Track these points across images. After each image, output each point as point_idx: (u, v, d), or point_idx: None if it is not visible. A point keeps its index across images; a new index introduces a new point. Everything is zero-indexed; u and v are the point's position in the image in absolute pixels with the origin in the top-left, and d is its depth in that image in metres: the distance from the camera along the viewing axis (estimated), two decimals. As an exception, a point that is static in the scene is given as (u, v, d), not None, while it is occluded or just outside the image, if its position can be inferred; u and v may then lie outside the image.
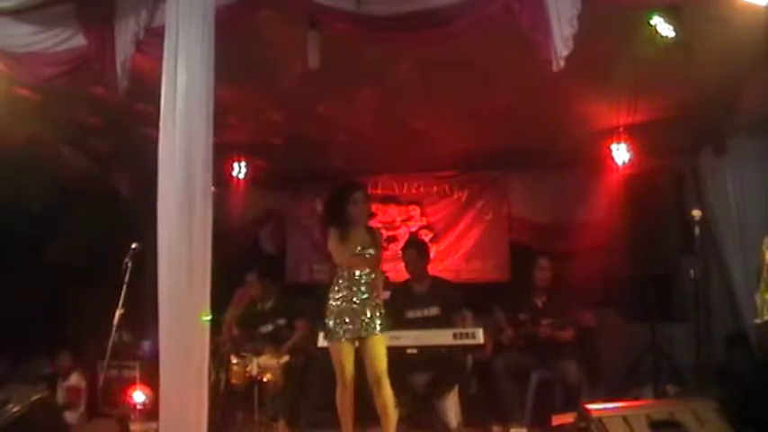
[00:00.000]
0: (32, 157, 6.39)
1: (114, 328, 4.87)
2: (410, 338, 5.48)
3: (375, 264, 4.74)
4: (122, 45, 4.21)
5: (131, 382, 6.20)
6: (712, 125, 6.14)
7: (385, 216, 8.06)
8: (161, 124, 3.55)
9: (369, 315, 4.61)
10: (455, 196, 8.09)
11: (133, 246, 4.98)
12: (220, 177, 6.87)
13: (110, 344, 4.93)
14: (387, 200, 8.15)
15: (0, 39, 4.41)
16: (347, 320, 4.61)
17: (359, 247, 4.71)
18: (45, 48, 4.37)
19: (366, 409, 4.73)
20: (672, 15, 4.01)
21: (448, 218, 8.09)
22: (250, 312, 6.34)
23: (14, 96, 5.21)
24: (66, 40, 4.33)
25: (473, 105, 5.92)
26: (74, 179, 7.00)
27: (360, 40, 4.21)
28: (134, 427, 5.68)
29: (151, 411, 5.59)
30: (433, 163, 7.80)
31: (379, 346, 4.58)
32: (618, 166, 6.54)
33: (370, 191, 8.06)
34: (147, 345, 6.88)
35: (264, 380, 5.73)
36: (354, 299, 4.64)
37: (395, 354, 5.18)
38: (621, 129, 6.17)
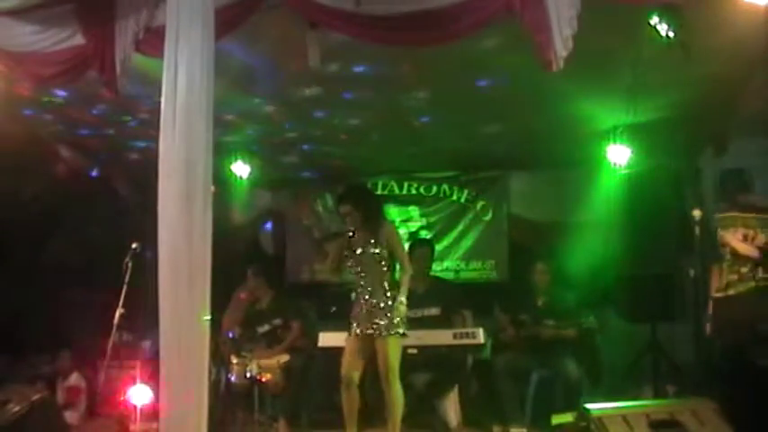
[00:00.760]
0: (32, 156, 6.39)
1: (114, 328, 4.87)
2: (410, 338, 5.48)
3: (379, 261, 4.77)
4: (122, 45, 4.20)
5: (131, 382, 6.19)
6: (712, 125, 6.14)
7: (384, 216, 8.07)
8: (161, 124, 3.55)
9: (381, 315, 4.65)
10: (455, 196, 8.10)
11: (133, 246, 4.99)
12: (220, 177, 6.86)
13: (110, 344, 4.94)
14: (387, 200, 8.15)
15: (0, 39, 4.41)
16: (360, 318, 4.73)
17: (359, 249, 4.77)
18: (45, 48, 4.36)
19: (367, 408, 4.75)
20: (672, 15, 4.00)
21: (448, 218, 8.10)
22: (249, 312, 6.35)
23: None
24: (66, 39, 4.32)
25: (473, 105, 5.92)
26: (74, 178, 7.01)
27: (359, 40, 4.20)
28: (134, 427, 5.68)
29: (151, 411, 5.59)
30: (433, 163, 7.80)
31: (393, 346, 4.65)
32: (618, 167, 6.54)
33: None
34: (147, 345, 6.88)
35: (264, 380, 5.73)
36: (367, 298, 4.71)
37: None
38: (621, 129, 6.16)
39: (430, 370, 5.64)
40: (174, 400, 3.41)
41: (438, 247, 7.80)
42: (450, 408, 5.67)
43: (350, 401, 4.75)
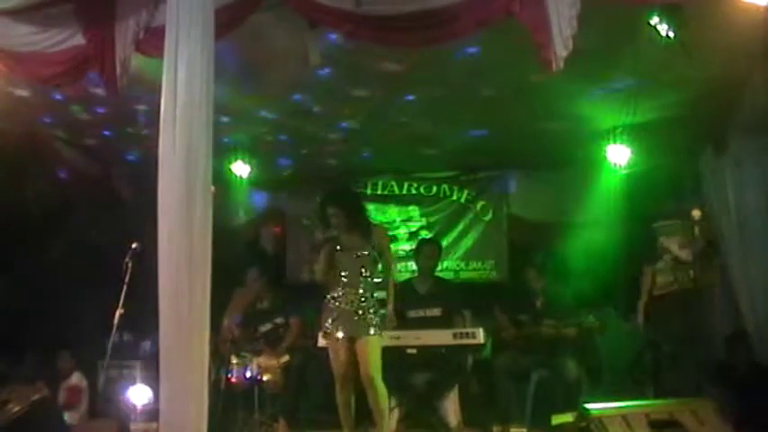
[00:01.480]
0: (33, 156, 6.39)
1: (114, 328, 4.87)
2: (410, 338, 5.49)
3: (367, 263, 4.77)
4: (122, 45, 4.20)
5: (131, 382, 6.20)
6: (712, 125, 6.14)
7: (385, 216, 8.07)
8: (161, 124, 3.55)
9: (362, 315, 4.64)
10: (455, 196, 8.10)
11: (133, 246, 4.99)
12: (220, 177, 6.86)
13: (110, 344, 4.94)
14: (387, 200, 8.15)
15: (0, 39, 4.41)
16: (342, 320, 4.69)
17: (348, 251, 4.78)
18: (45, 48, 4.37)
19: (366, 409, 4.75)
20: (672, 15, 4.00)
21: (448, 218, 8.10)
22: (249, 312, 6.35)
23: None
24: (66, 39, 4.33)
25: (473, 105, 5.92)
26: (74, 178, 7.01)
27: (359, 41, 4.20)
28: (134, 427, 5.68)
29: (151, 411, 5.59)
30: (433, 163, 7.80)
31: (372, 346, 4.62)
32: (618, 167, 6.54)
33: (369, 191, 8.11)
34: (147, 345, 6.88)
35: (264, 380, 5.73)
36: (349, 299, 4.69)
37: (395, 354, 5.21)
38: (621, 129, 6.16)
39: (430, 370, 5.64)
40: (174, 400, 3.41)
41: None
42: (450, 408, 5.67)
43: (346, 401, 4.75)
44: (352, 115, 6.24)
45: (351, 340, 4.68)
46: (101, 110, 5.98)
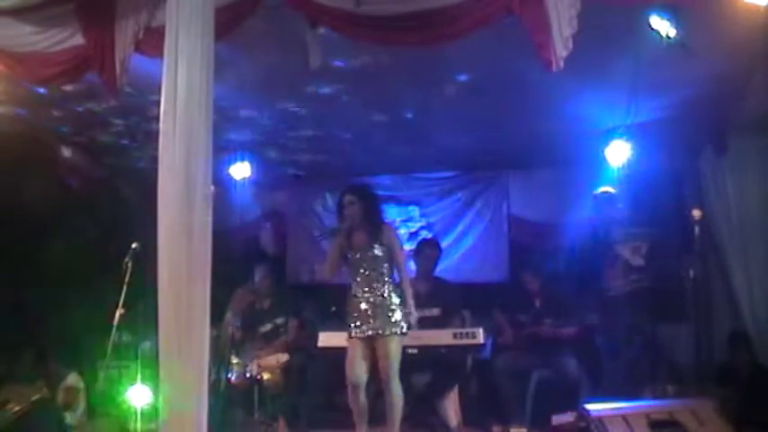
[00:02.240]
0: (32, 155, 6.39)
1: (114, 328, 4.87)
2: (410, 338, 5.48)
3: (379, 262, 4.77)
4: (122, 45, 4.20)
5: (131, 382, 6.19)
6: (712, 125, 6.14)
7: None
8: (161, 124, 3.54)
9: (381, 314, 4.64)
10: (455, 196, 8.09)
11: (133, 246, 4.98)
12: (220, 177, 6.87)
13: (110, 344, 4.93)
14: (387, 200, 8.15)
15: (0, 39, 4.41)
16: (360, 319, 4.71)
17: (360, 249, 4.78)
18: (45, 48, 4.37)
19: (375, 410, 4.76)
20: (671, 14, 4.00)
21: (448, 218, 8.09)
22: (249, 312, 6.34)
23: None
24: (66, 39, 4.33)
25: (473, 105, 5.92)
26: (74, 178, 7.01)
27: (359, 41, 4.20)
28: (134, 426, 5.68)
29: (151, 411, 5.58)
30: (433, 163, 7.80)
31: (393, 345, 4.64)
32: (617, 167, 6.53)
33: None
34: (147, 345, 6.87)
35: (264, 380, 5.73)
36: (368, 298, 4.69)
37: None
38: (621, 129, 6.16)
39: (430, 370, 5.64)
40: (174, 400, 3.41)
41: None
42: (450, 408, 5.67)
43: (359, 404, 4.73)
44: (351, 115, 6.24)
45: (370, 339, 4.69)
46: (101, 108, 5.98)
